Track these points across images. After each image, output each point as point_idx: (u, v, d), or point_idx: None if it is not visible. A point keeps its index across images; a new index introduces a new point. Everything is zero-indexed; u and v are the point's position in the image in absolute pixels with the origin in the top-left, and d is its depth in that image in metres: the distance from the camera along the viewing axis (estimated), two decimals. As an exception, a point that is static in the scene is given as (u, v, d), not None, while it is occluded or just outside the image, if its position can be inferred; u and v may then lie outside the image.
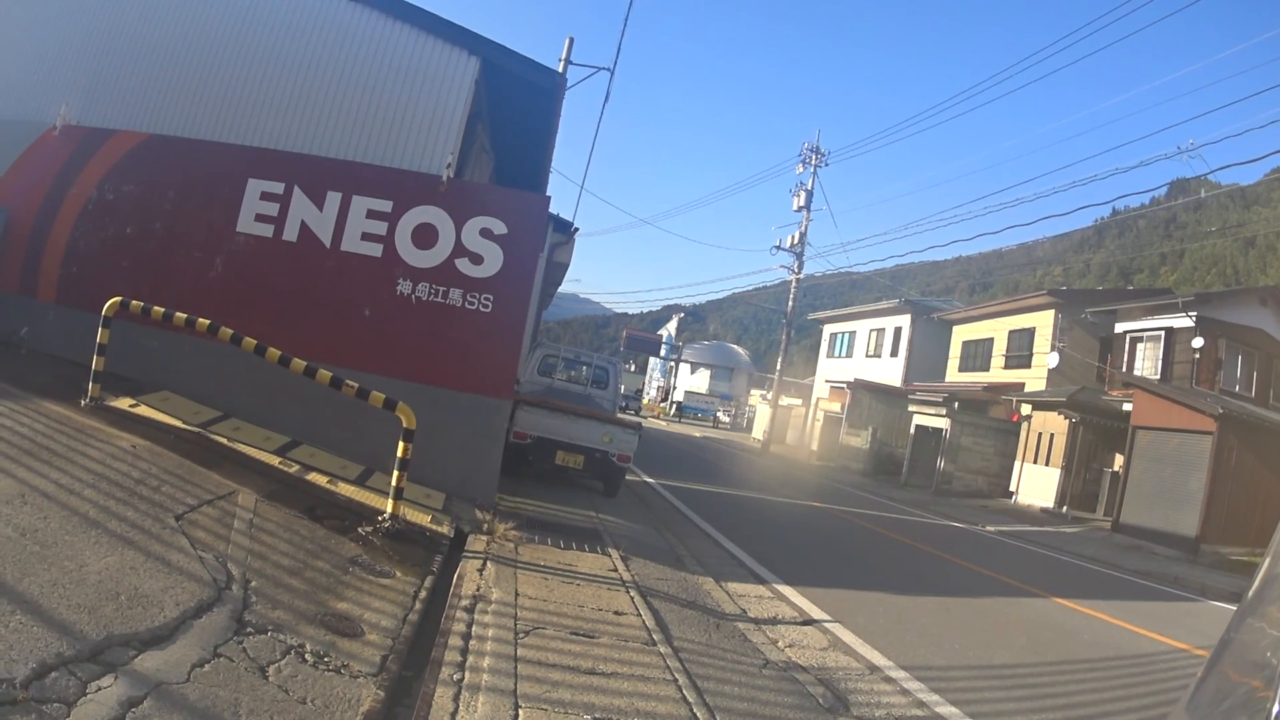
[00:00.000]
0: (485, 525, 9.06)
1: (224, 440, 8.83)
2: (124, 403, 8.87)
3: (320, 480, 8.60)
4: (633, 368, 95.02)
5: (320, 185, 10.51)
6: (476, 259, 10.37)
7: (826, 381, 49.99)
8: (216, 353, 9.37)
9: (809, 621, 8.31)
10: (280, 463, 8.75)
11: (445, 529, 8.42)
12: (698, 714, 5.05)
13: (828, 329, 54.27)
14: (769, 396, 49.33)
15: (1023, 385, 32.75)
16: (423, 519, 8.37)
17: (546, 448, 13.49)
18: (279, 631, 4.87)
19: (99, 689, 3.54)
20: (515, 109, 14.26)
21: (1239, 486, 21.10)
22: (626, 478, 15.25)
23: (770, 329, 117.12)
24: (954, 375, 39.07)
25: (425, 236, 10.38)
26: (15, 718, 3.16)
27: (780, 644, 7.34)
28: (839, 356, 51.15)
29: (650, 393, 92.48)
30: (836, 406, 43.20)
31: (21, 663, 3.48)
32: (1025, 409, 30.80)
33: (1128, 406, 25.43)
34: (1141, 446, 23.57)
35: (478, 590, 6.72)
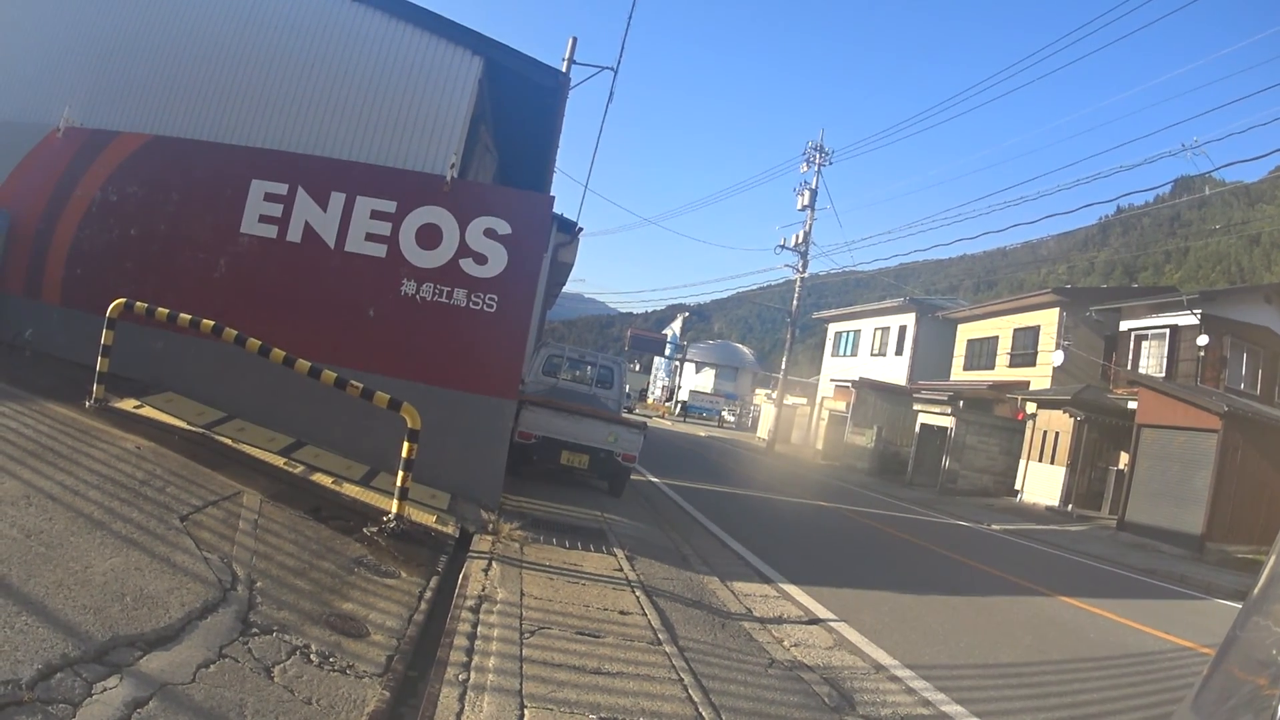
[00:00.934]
0: (490, 525, 9.06)
1: (229, 441, 8.83)
2: (128, 404, 8.88)
3: (325, 481, 8.60)
4: (637, 367, 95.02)
5: (324, 186, 10.51)
6: (481, 259, 10.37)
7: (831, 380, 49.97)
8: (221, 354, 9.37)
9: (814, 620, 8.30)
10: (285, 463, 8.75)
11: (450, 529, 8.42)
12: (703, 713, 5.05)
13: (832, 328, 54.22)
14: (774, 396, 49.29)
15: (1028, 384, 32.71)
16: (428, 519, 8.37)
17: (551, 448, 13.48)
18: (284, 632, 4.87)
19: (104, 690, 3.54)
20: (519, 109, 14.25)
21: (1244, 484, 21.06)
22: (631, 477, 15.23)
23: (775, 328, 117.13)
24: (959, 374, 39.05)
25: (429, 237, 10.38)
26: (21, 718, 3.17)
27: (786, 643, 7.33)
28: (844, 355, 51.11)
29: (655, 392, 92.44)
30: (841, 405, 43.16)
31: (27, 664, 3.48)
32: (1030, 407, 30.75)
33: (1133, 405, 25.39)
34: (1147, 445, 23.53)
35: (483, 590, 6.72)
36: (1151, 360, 28.54)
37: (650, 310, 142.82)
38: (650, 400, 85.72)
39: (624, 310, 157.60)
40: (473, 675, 4.91)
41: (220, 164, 10.79)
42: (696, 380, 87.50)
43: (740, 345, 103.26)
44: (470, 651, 5.28)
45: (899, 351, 44.36)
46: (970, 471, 31.19)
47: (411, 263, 10.36)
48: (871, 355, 47.14)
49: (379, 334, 10.29)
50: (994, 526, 21.97)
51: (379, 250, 10.39)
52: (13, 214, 11.18)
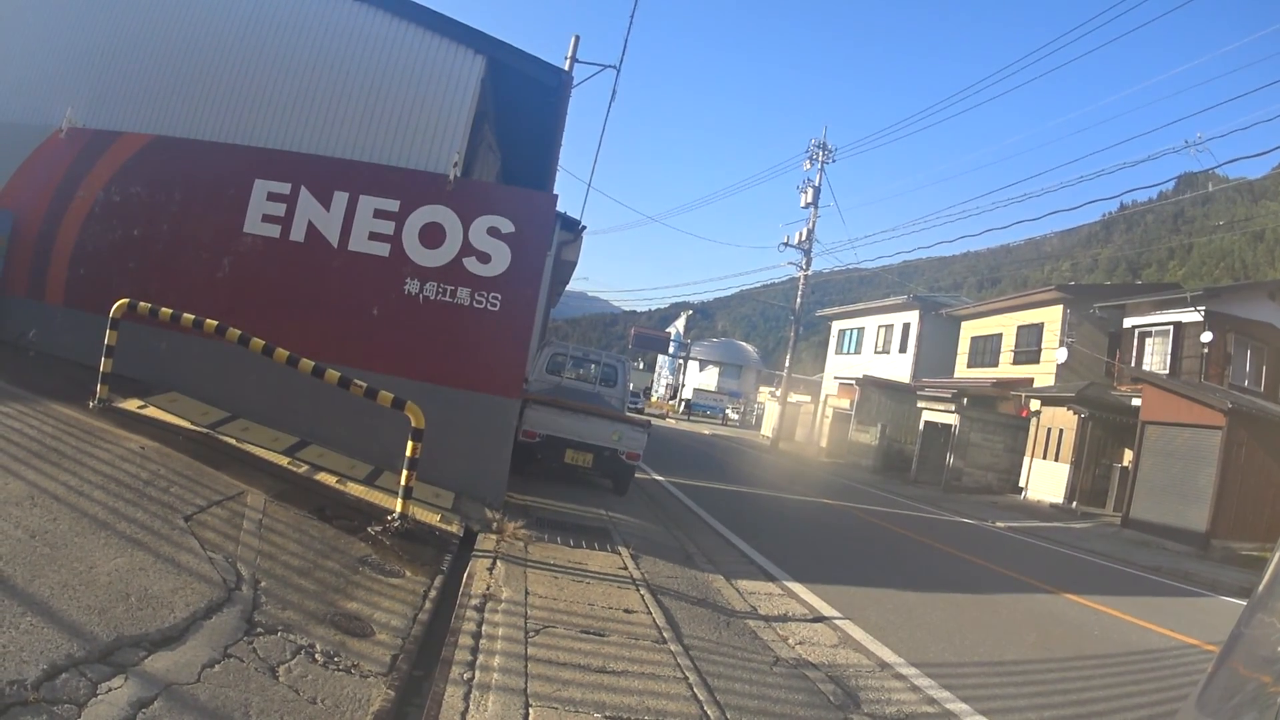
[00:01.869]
0: (495, 524, 9.06)
1: (232, 441, 8.83)
2: (132, 404, 8.89)
3: (329, 480, 8.60)
4: (641, 365, 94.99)
5: (327, 185, 10.50)
6: (484, 258, 10.36)
7: (835, 378, 49.94)
8: (224, 353, 9.37)
9: (819, 618, 8.30)
10: (289, 463, 8.76)
11: (455, 528, 8.43)
12: (708, 712, 5.05)
13: (836, 325, 54.19)
14: (778, 393, 49.31)
15: (1031, 381, 32.69)
16: (432, 518, 8.38)
17: (555, 446, 13.48)
18: (289, 632, 4.87)
19: (109, 690, 3.54)
20: (521, 107, 14.25)
21: (1249, 481, 21.03)
22: (636, 476, 15.23)
23: (778, 326, 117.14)
24: (962, 371, 39.04)
25: (433, 236, 10.37)
26: (26, 719, 3.17)
27: (790, 641, 7.33)
28: (847, 353, 51.09)
29: (659, 390, 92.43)
30: (845, 403, 43.16)
31: (32, 664, 3.48)
32: (1034, 404, 30.74)
33: (1137, 401, 25.38)
34: (1151, 441, 23.50)
35: (488, 589, 6.72)
36: (1155, 357, 28.53)
37: (654, 308, 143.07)
38: (654, 398, 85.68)
39: (627, 308, 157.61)
40: (478, 674, 4.91)
41: (223, 164, 10.79)
42: (700, 378, 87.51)
43: (744, 343, 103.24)
44: (475, 650, 5.28)
45: (903, 349, 44.31)
46: (974, 469, 31.18)
47: (415, 262, 10.35)
48: (875, 353, 47.10)
49: (382, 333, 10.29)
50: (998, 524, 21.97)
51: (382, 249, 10.39)
52: (16, 215, 11.19)
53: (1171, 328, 27.91)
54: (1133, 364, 28.82)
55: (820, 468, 35.07)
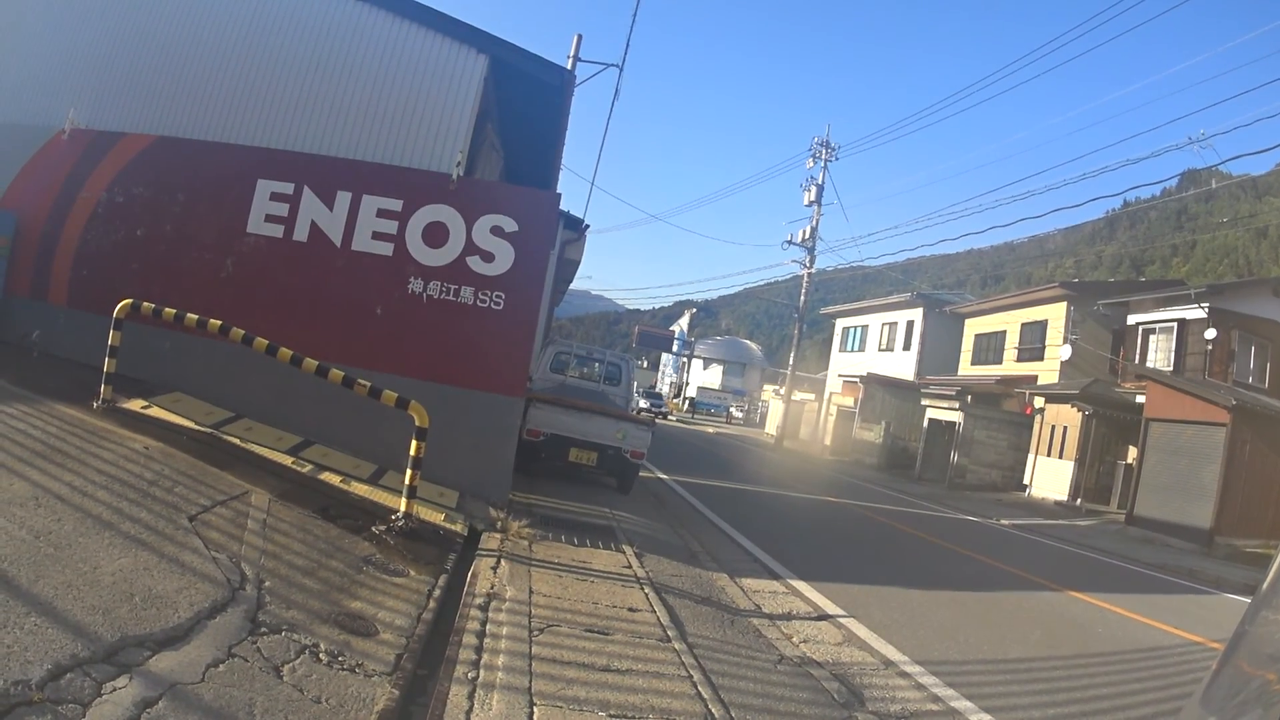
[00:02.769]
0: (499, 523, 9.06)
1: (236, 441, 8.84)
2: (136, 404, 8.89)
3: (333, 480, 8.61)
4: (645, 364, 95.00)
5: (330, 185, 10.51)
6: (488, 257, 10.36)
7: (839, 376, 49.91)
8: (228, 353, 9.39)
9: (823, 617, 8.30)
10: (293, 462, 8.76)
11: (459, 527, 8.43)
12: (713, 710, 5.05)
13: (840, 323, 54.16)
14: (782, 391, 49.30)
15: (1035, 378, 32.66)
16: (436, 517, 8.38)
17: (559, 445, 13.48)
18: (293, 631, 4.87)
19: (114, 690, 3.55)
20: (524, 106, 14.24)
21: (1253, 478, 21.00)
22: (640, 474, 15.23)
23: (782, 324, 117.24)
24: (966, 368, 39.01)
25: (436, 235, 10.38)
26: (31, 718, 3.17)
27: (795, 639, 7.33)
28: (851, 351, 51.07)
29: (663, 389, 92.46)
30: (849, 401, 43.18)
31: (37, 664, 3.49)
32: (1038, 402, 30.73)
33: (1141, 399, 25.37)
34: (1155, 439, 23.47)
35: (492, 588, 6.72)
36: (1159, 354, 28.49)
37: (658, 307, 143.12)
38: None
39: (631, 307, 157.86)
40: (482, 673, 4.91)
41: (226, 164, 10.80)
42: (704, 377, 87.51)
43: (748, 341, 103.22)
44: (479, 649, 5.28)
45: (906, 346, 44.28)
46: (978, 466, 31.18)
47: (418, 261, 10.36)
48: (879, 350, 47.06)
49: (386, 332, 10.29)
50: (1002, 521, 21.96)
51: (385, 249, 10.39)
52: (19, 216, 11.20)
53: (1175, 325, 27.87)
54: (1136, 361, 28.79)
55: (824, 465, 35.07)
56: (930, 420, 33.80)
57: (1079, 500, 26.98)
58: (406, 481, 7.82)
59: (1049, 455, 29.60)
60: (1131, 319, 30.04)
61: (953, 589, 10.95)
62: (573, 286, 34.27)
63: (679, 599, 7.75)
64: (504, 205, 10.58)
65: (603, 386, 16.89)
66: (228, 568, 5.42)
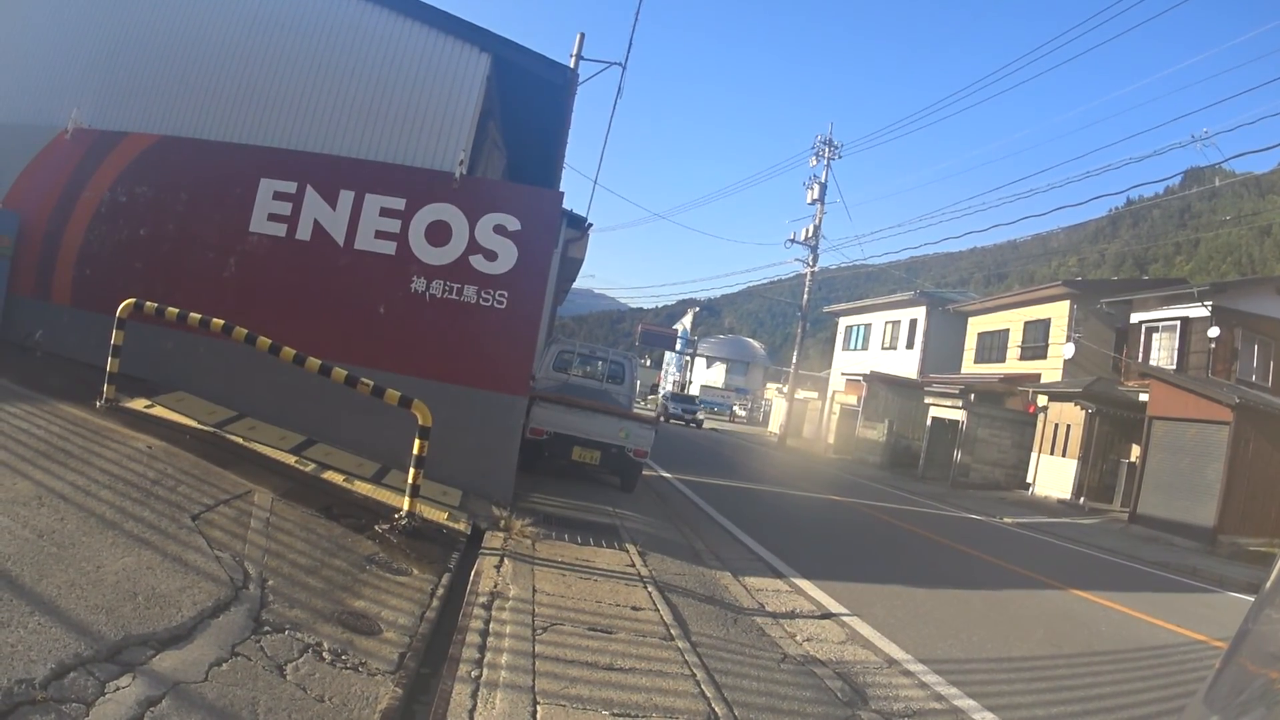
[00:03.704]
0: (502, 522, 9.06)
1: (239, 440, 8.84)
2: (139, 404, 8.90)
3: (336, 478, 8.61)
4: (648, 362, 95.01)
5: (333, 184, 10.51)
6: (490, 255, 10.36)
7: (842, 374, 49.85)
8: (231, 353, 9.39)
9: (827, 615, 8.30)
10: (296, 461, 8.77)
11: (462, 526, 8.43)
12: (716, 709, 5.05)
13: (843, 321, 54.12)
14: (785, 390, 49.32)
15: (1038, 376, 32.63)
16: (439, 516, 8.38)
17: (563, 443, 13.48)
18: (296, 630, 4.88)
19: (117, 689, 3.55)
20: (527, 105, 14.24)
21: (1256, 477, 20.97)
22: (643, 473, 15.23)
23: (785, 322, 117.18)
24: (970, 367, 38.97)
25: (439, 233, 10.38)
26: (35, 717, 3.17)
27: (798, 638, 7.33)
28: (854, 349, 51.03)
29: (666, 387, 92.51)
30: (852, 399, 43.19)
31: (40, 663, 3.49)
32: (1041, 400, 30.73)
33: (1144, 397, 25.34)
34: (1158, 437, 23.45)
35: (495, 587, 6.73)
36: (1162, 352, 28.44)
37: (661, 305, 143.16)
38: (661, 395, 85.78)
39: (634, 305, 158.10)
40: (485, 672, 4.91)
41: (229, 163, 10.80)
42: (707, 375, 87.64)
43: (751, 340, 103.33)
44: (483, 648, 5.28)
45: (910, 345, 44.23)
46: (982, 465, 31.18)
47: (421, 260, 10.36)
48: (882, 349, 47.01)
49: (389, 331, 10.30)
50: (1006, 520, 21.96)
51: (388, 248, 10.40)
52: (22, 216, 11.21)
53: (1178, 323, 27.82)
54: (1140, 359, 28.73)
55: (827, 464, 35.07)
56: (933, 419, 33.80)
57: (1082, 499, 26.96)
58: (410, 480, 7.83)
59: (1052, 454, 29.58)
60: (1135, 317, 30.00)
61: (956, 587, 10.95)
62: (576, 285, 34.27)
63: (682, 598, 7.75)
64: (507, 204, 10.58)
65: (606, 385, 16.89)
66: (231, 567, 5.43)
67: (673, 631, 6.52)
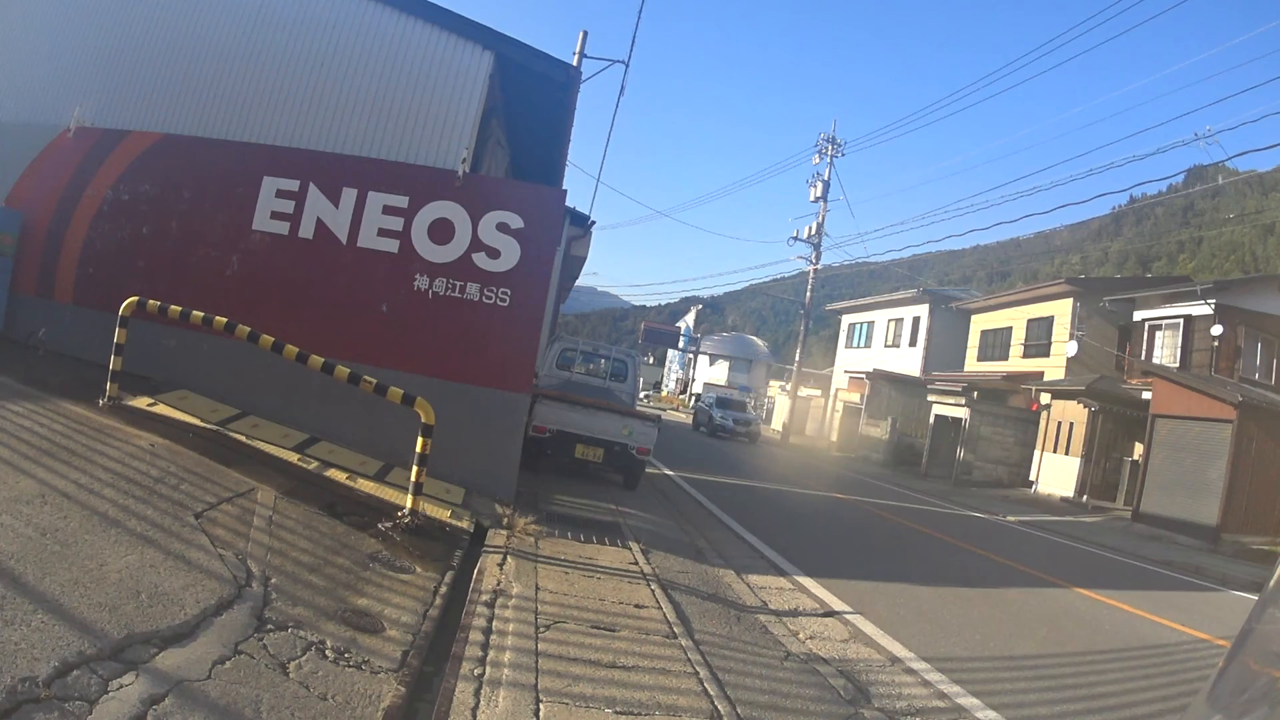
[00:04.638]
0: (505, 520, 9.06)
1: (242, 438, 8.84)
2: (142, 402, 8.90)
3: (339, 476, 8.61)
4: (651, 360, 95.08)
5: (335, 182, 10.51)
6: (493, 253, 10.36)
7: (845, 372, 49.88)
8: (234, 351, 9.40)
9: (830, 613, 8.30)
10: (299, 459, 8.77)
11: (465, 524, 8.43)
12: (719, 707, 5.04)
13: (846, 319, 54.14)
14: (788, 388, 49.35)
15: (1042, 374, 32.62)
16: (442, 514, 8.38)
17: (566, 441, 13.49)
18: (299, 628, 4.88)
19: (120, 687, 3.55)
20: (530, 103, 14.24)
21: (1260, 475, 20.95)
22: (646, 471, 15.23)
23: (788, 320, 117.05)
24: (973, 365, 38.95)
25: (442, 231, 10.37)
26: (38, 715, 3.17)
27: (801, 636, 7.33)
28: (857, 347, 51.04)
29: (669, 385, 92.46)
30: (855, 397, 43.21)
31: (43, 661, 3.49)
32: (1044, 398, 30.69)
33: (1147, 395, 25.31)
34: (1161, 435, 23.43)
35: (498, 585, 6.73)
36: (1165, 350, 28.43)
37: (664, 303, 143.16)
38: (664, 393, 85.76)
39: (637, 303, 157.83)
40: (488, 670, 4.91)
41: (231, 161, 10.80)
42: (710, 373, 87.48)
43: (754, 337, 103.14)
44: (485, 646, 5.28)
45: (913, 343, 44.24)
46: (985, 462, 31.15)
47: (424, 258, 10.36)
48: (885, 346, 47.03)
49: (392, 329, 10.30)
50: (1009, 518, 21.94)
51: (391, 246, 10.39)
52: (25, 214, 11.22)
53: (1181, 321, 27.80)
54: (1143, 357, 28.72)
55: (830, 462, 35.03)
56: (936, 416, 33.77)
57: (1085, 497, 26.93)
58: (413, 478, 7.83)
59: (1055, 451, 29.55)
60: (1138, 315, 29.99)
61: (959, 585, 10.94)
62: (579, 283, 34.33)
63: (685, 595, 7.75)
64: (510, 202, 10.58)
65: (609, 383, 16.90)
66: (234, 565, 5.43)
67: (676, 629, 6.52)
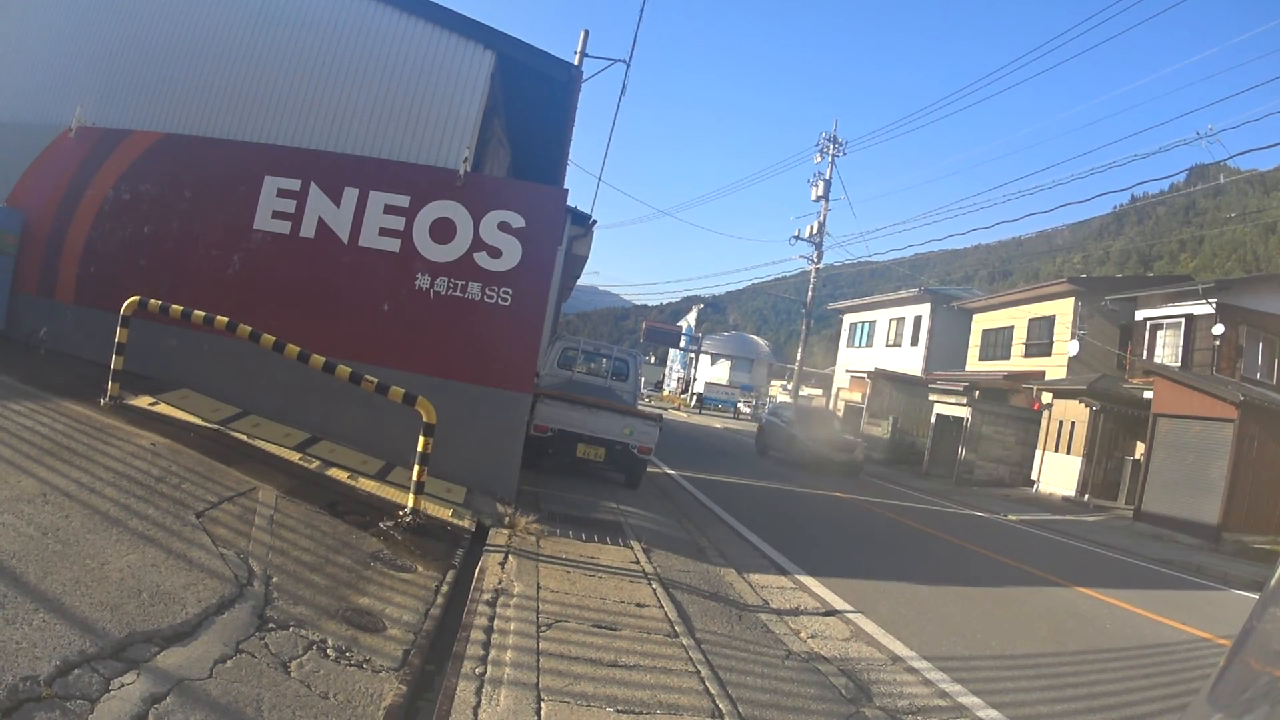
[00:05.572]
0: (506, 519, 9.06)
1: (244, 437, 8.85)
2: (143, 401, 8.91)
3: (341, 476, 8.62)
4: (652, 359, 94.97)
5: (337, 181, 10.51)
6: (495, 253, 10.36)
7: (847, 371, 49.87)
8: (235, 350, 9.40)
9: (831, 612, 8.30)
10: (300, 459, 8.77)
11: (466, 523, 8.43)
12: (720, 706, 5.04)
13: (847, 319, 54.08)
14: (789, 387, 49.32)
15: (1043, 373, 32.59)
16: (444, 513, 8.39)
17: (567, 441, 13.49)
18: (301, 627, 4.88)
19: (122, 686, 3.55)
20: (531, 102, 14.25)
21: (1261, 474, 20.92)
22: (648, 470, 15.23)
23: (790, 319, 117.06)
24: (974, 364, 38.92)
25: (443, 231, 10.38)
26: (40, 715, 3.17)
27: (803, 635, 7.33)
28: (859, 346, 51.00)
29: (670, 384, 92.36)
30: (857, 396, 43.21)
31: (45, 660, 3.49)
32: (1046, 397, 30.65)
33: (1148, 394, 25.27)
34: (1163, 434, 23.40)
35: (499, 584, 6.73)
36: (1167, 350, 28.40)
37: (665, 302, 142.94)
38: (665, 392, 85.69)
39: (639, 302, 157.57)
40: (489, 669, 4.91)
41: (233, 161, 10.81)
42: (712, 372, 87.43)
43: (755, 337, 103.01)
44: (487, 645, 5.28)
45: (914, 342, 44.20)
46: (986, 462, 31.12)
47: (425, 257, 10.36)
48: (887, 346, 46.98)
49: (393, 329, 10.30)
50: (1010, 517, 21.93)
51: (393, 245, 10.40)
52: (27, 213, 11.24)
53: (1183, 320, 27.77)
54: (1144, 357, 28.69)
55: (831, 461, 34.99)
56: (938, 416, 33.75)
57: (1087, 496, 26.91)
58: (414, 477, 7.83)
59: (1057, 451, 29.53)
60: (1139, 314, 29.97)
61: (960, 584, 10.93)
62: (580, 282, 34.33)
63: (686, 594, 7.75)
64: (511, 201, 10.58)
65: (610, 382, 16.91)
66: (235, 564, 5.43)
67: (677, 628, 6.52)
